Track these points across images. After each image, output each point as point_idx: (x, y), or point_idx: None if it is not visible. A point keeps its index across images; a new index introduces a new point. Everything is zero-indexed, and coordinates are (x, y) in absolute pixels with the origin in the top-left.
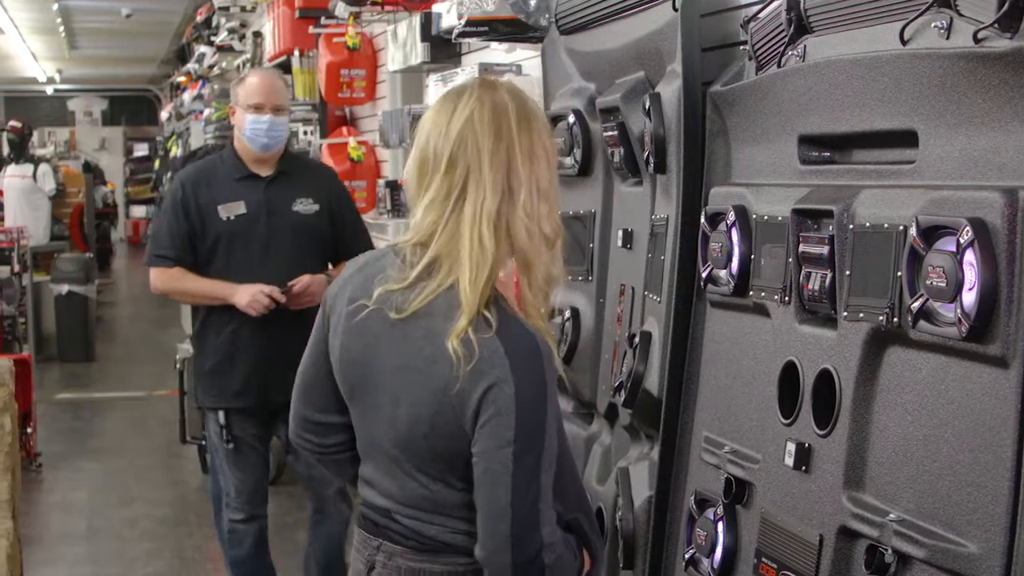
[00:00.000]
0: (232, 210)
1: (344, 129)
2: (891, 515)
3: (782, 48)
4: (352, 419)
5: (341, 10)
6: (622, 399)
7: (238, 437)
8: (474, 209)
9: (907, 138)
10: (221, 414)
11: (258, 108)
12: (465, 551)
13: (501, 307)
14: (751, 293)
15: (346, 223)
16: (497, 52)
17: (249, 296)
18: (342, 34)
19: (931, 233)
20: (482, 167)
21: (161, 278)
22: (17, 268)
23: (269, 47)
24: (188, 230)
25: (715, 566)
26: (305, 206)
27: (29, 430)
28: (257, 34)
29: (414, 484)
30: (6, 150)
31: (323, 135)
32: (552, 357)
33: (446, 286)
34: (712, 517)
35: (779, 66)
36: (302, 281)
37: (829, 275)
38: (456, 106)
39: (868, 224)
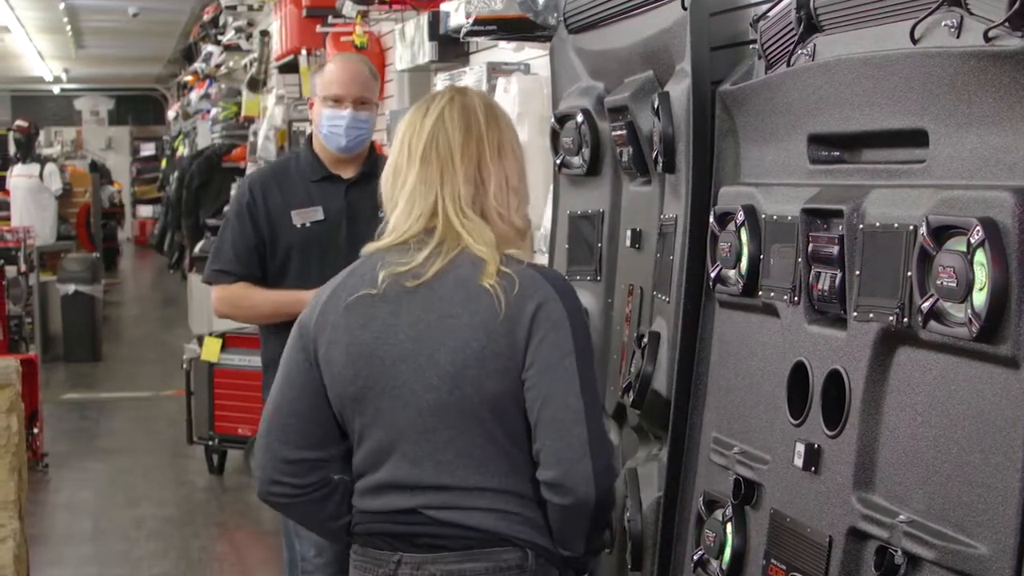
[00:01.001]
0: (308, 216)
1: None
2: (901, 516)
3: (792, 47)
4: (359, 430)
5: (348, 9)
6: (630, 400)
7: None
8: (452, 197)
9: (917, 137)
10: None
11: (337, 101)
12: (510, 540)
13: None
14: (760, 293)
15: None
16: (505, 51)
17: None
18: (349, 33)
19: (941, 233)
20: (454, 160)
21: (222, 297)
22: (24, 268)
23: (276, 46)
24: (256, 241)
25: (724, 567)
26: None
27: (36, 430)
28: (264, 33)
29: (453, 455)
30: (12, 150)
31: None
32: None
33: (461, 248)
34: (721, 518)
35: (789, 65)
36: None
37: (839, 275)
38: (428, 108)
39: (878, 224)
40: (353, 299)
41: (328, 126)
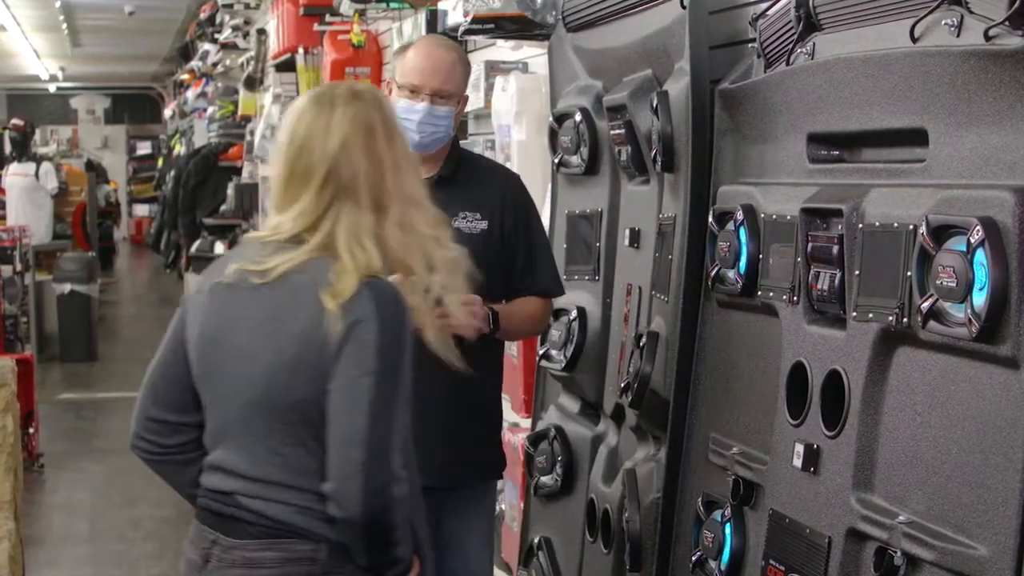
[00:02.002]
0: None
1: None
2: (900, 517)
3: (791, 46)
4: (204, 408)
5: (346, 7)
6: (629, 400)
7: None
8: (350, 225)
9: (917, 137)
10: None
11: (413, 91)
12: (305, 534)
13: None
14: (759, 293)
15: (519, 247)
16: (503, 49)
17: None
18: (347, 31)
19: (941, 233)
20: (357, 190)
21: None
22: (19, 267)
23: (273, 44)
24: None
25: (723, 568)
26: (470, 222)
27: (31, 430)
28: (261, 31)
29: (265, 451)
30: (8, 148)
31: None
32: (411, 313)
33: (318, 256)
34: (720, 519)
35: (788, 64)
36: (467, 296)
37: (838, 275)
38: (330, 123)
39: (878, 223)
40: (213, 284)
41: (402, 119)
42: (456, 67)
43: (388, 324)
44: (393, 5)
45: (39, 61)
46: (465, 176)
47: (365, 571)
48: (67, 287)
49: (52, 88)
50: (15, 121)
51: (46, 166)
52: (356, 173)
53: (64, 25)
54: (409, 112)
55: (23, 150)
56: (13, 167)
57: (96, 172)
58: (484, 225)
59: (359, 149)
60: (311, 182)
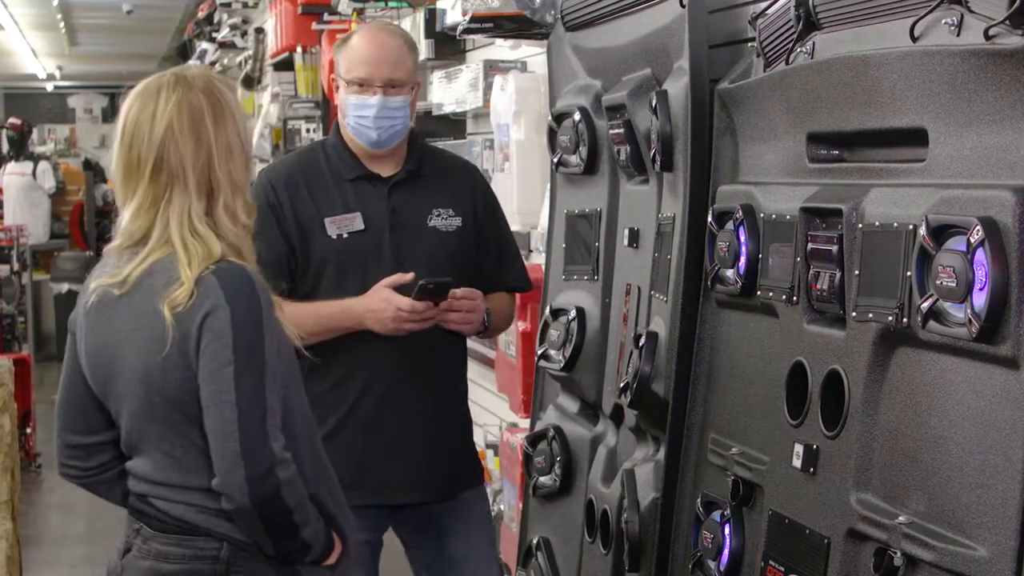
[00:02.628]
0: (345, 225)
1: None
2: (900, 517)
3: (791, 45)
4: (117, 421)
5: (344, 6)
6: (628, 400)
7: None
8: (181, 213)
9: (917, 136)
10: None
11: (363, 85)
12: (207, 532)
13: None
14: (759, 293)
15: (491, 242)
16: (502, 49)
17: (383, 307)
18: (345, 30)
19: (941, 232)
20: (186, 174)
21: None
22: (16, 267)
23: (271, 43)
24: (286, 249)
25: (722, 569)
26: (444, 220)
27: (28, 430)
28: (259, 30)
29: (161, 455)
30: (5, 147)
31: (326, 133)
32: (267, 291)
33: (162, 254)
34: (719, 519)
35: (787, 63)
36: (469, 290)
37: (838, 275)
38: (155, 110)
39: (877, 223)
40: (84, 303)
41: (355, 117)
42: (405, 52)
43: (240, 310)
44: (391, 4)
45: (36, 60)
46: (431, 171)
47: (280, 564)
48: (64, 287)
49: (50, 87)
50: (12, 120)
51: (43, 165)
52: (183, 157)
53: (62, 24)
54: (362, 108)
55: (20, 149)
56: (10, 166)
57: (94, 171)
58: (459, 222)
59: (185, 133)
60: (143, 172)
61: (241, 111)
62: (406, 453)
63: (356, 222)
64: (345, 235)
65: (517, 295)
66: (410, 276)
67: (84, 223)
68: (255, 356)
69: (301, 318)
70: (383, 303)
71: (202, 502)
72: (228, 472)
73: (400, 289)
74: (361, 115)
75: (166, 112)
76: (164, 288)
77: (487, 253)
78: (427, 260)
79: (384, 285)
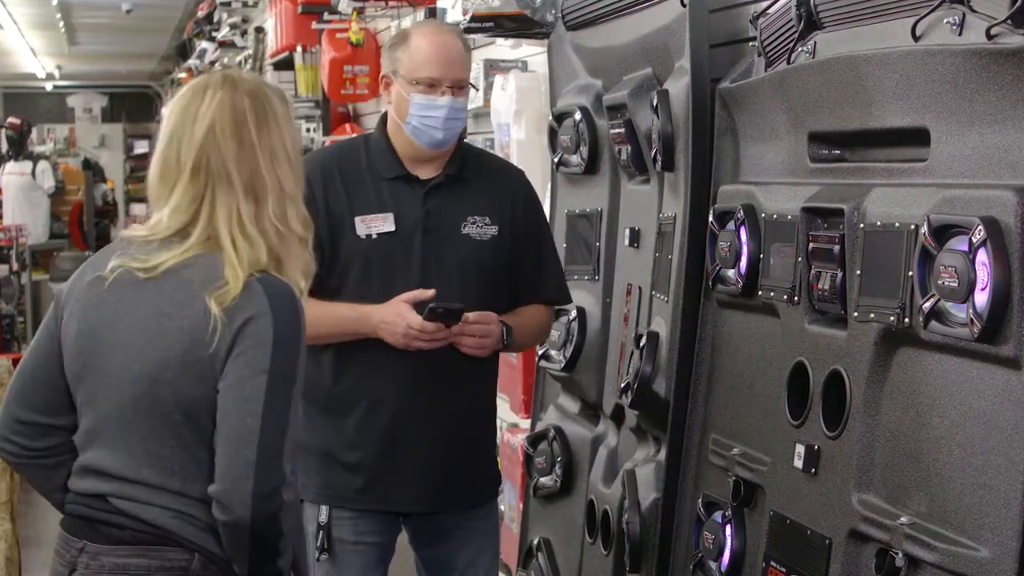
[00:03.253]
0: (375, 225)
1: (347, 126)
2: (902, 518)
3: (792, 44)
4: (78, 407)
5: (344, 5)
6: (629, 400)
7: (342, 541)
8: (228, 212)
9: (919, 136)
10: (324, 510)
11: (432, 86)
12: (178, 540)
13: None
14: (760, 293)
15: (529, 253)
16: (503, 48)
17: (396, 321)
18: (345, 30)
19: (943, 232)
20: (230, 176)
21: None
22: (16, 266)
23: (271, 43)
24: (315, 243)
25: (723, 569)
26: (479, 228)
27: None
28: (259, 30)
29: (143, 452)
30: (5, 147)
31: (326, 132)
32: (304, 313)
33: (205, 250)
34: (720, 520)
35: (789, 62)
36: (484, 314)
37: (839, 275)
38: (198, 110)
39: (879, 223)
40: (94, 277)
41: (420, 118)
42: (466, 52)
43: (283, 322)
44: (392, 3)
45: (36, 59)
46: (472, 175)
47: None
48: (64, 286)
49: (49, 86)
50: (11, 119)
51: (43, 165)
52: (226, 158)
53: (61, 23)
54: (430, 109)
55: (20, 149)
56: (9, 166)
57: (93, 171)
58: (494, 231)
59: (228, 134)
60: (183, 172)
61: (291, 121)
62: (419, 463)
63: (387, 223)
64: (374, 235)
65: (553, 308)
66: (430, 293)
67: (83, 223)
68: (290, 372)
69: (319, 318)
70: (396, 317)
71: (181, 507)
72: (235, 482)
73: (418, 306)
74: (429, 115)
75: (209, 111)
76: (204, 283)
77: (524, 262)
78: (456, 268)
79: (403, 299)
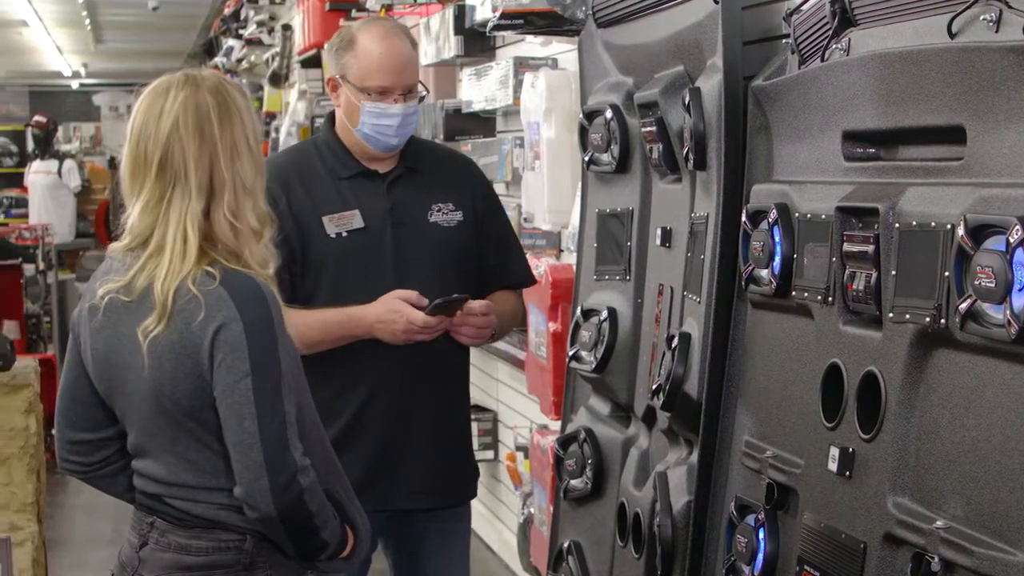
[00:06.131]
0: (344, 223)
1: None
2: (938, 522)
3: (826, 41)
4: (121, 421)
5: (372, 3)
6: (660, 402)
7: None
8: (179, 214)
9: (955, 134)
10: None
11: (384, 93)
12: (229, 527)
13: (223, 264)
14: (794, 293)
15: (492, 236)
16: (532, 46)
17: (394, 319)
18: None
19: (979, 232)
20: (188, 172)
21: None
22: (42, 266)
23: (299, 40)
24: (286, 251)
25: (756, 573)
26: (445, 215)
27: (54, 431)
28: (286, 27)
29: (175, 458)
30: (31, 146)
31: None
32: (276, 299)
33: (158, 262)
34: (753, 523)
35: (823, 60)
36: (485, 304)
37: (874, 275)
38: (163, 107)
39: (915, 223)
40: (90, 306)
41: (373, 126)
42: (414, 53)
43: (252, 320)
44: (420, 0)
45: (62, 57)
46: (427, 166)
47: (297, 557)
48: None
49: (75, 85)
50: (38, 118)
51: (69, 163)
52: (186, 154)
53: (87, 21)
54: (383, 118)
55: (46, 147)
56: (35, 165)
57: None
58: (459, 216)
59: (190, 130)
60: (150, 170)
61: (252, 114)
62: (410, 460)
63: (355, 220)
64: (344, 234)
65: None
66: (418, 298)
67: (109, 222)
68: (271, 366)
69: (307, 328)
70: (394, 314)
71: (222, 500)
72: (252, 482)
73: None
74: (382, 123)
75: (173, 109)
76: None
77: (488, 247)
78: (430, 257)
79: (397, 296)
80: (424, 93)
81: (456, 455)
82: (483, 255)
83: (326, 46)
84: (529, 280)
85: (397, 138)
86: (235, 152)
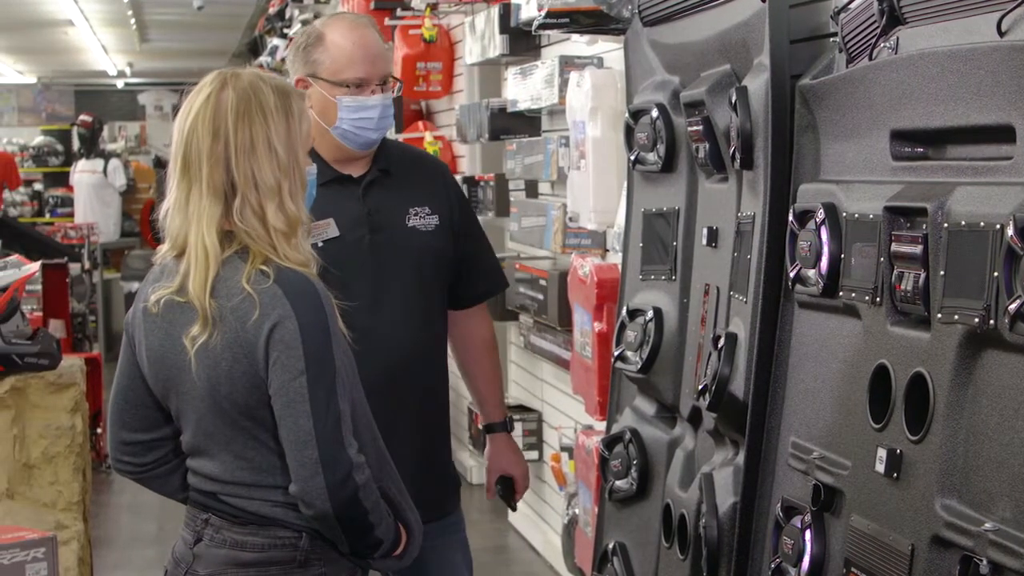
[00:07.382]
0: (318, 233)
1: (420, 124)
2: (986, 524)
3: (874, 40)
4: (176, 421)
5: (418, 2)
6: (706, 403)
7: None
8: (197, 215)
9: (1004, 133)
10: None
11: (361, 85)
12: (284, 524)
13: (275, 262)
14: (841, 294)
15: (468, 244)
16: (578, 44)
17: None
18: (418, 26)
19: None
20: (202, 171)
21: None
22: (87, 265)
23: None
24: None
25: (802, 575)
26: (422, 219)
27: (99, 430)
28: None
29: (231, 457)
30: (76, 145)
31: (399, 130)
32: (329, 297)
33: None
34: (799, 525)
35: (871, 59)
36: (523, 479)
37: (922, 275)
38: (191, 106)
39: (963, 222)
40: (144, 308)
41: (352, 120)
42: (383, 42)
43: (307, 319)
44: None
45: (107, 56)
46: (400, 169)
47: (351, 554)
48: (135, 285)
49: (120, 84)
50: (83, 117)
51: (114, 163)
52: (201, 153)
53: (132, 20)
54: (362, 111)
55: (91, 147)
56: (81, 164)
57: (164, 169)
58: (436, 220)
59: (206, 128)
60: (175, 169)
61: (286, 115)
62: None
63: (330, 229)
64: (320, 244)
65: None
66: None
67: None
68: (326, 364)
69: None
70: None
71: (277, 498)
72: (308, 480)
73: None
74: (363, 117)
75: (196, 108)
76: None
77: (461, 253)
78: (410, 263)
79: None
80: (399, 85)
81: (441, 463)
82: (458, 258)
83: (290, 47)
84: (501, 283)
85: (377, 132)
86: (251, 151)
